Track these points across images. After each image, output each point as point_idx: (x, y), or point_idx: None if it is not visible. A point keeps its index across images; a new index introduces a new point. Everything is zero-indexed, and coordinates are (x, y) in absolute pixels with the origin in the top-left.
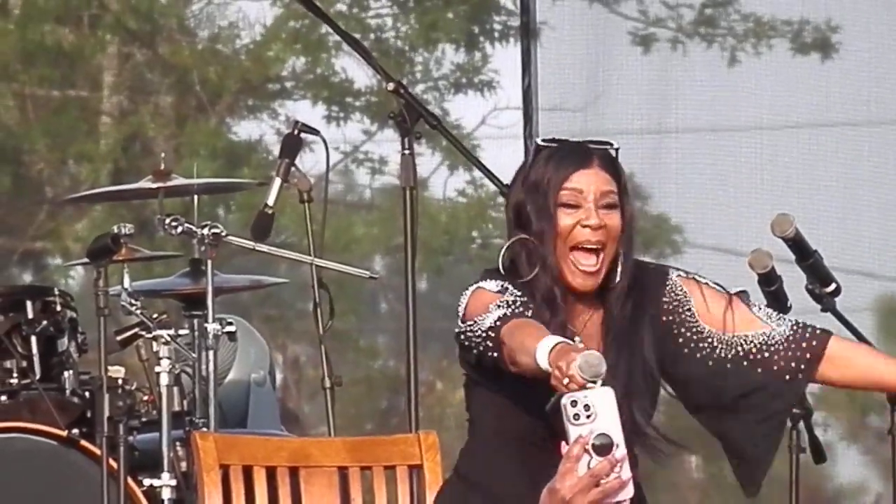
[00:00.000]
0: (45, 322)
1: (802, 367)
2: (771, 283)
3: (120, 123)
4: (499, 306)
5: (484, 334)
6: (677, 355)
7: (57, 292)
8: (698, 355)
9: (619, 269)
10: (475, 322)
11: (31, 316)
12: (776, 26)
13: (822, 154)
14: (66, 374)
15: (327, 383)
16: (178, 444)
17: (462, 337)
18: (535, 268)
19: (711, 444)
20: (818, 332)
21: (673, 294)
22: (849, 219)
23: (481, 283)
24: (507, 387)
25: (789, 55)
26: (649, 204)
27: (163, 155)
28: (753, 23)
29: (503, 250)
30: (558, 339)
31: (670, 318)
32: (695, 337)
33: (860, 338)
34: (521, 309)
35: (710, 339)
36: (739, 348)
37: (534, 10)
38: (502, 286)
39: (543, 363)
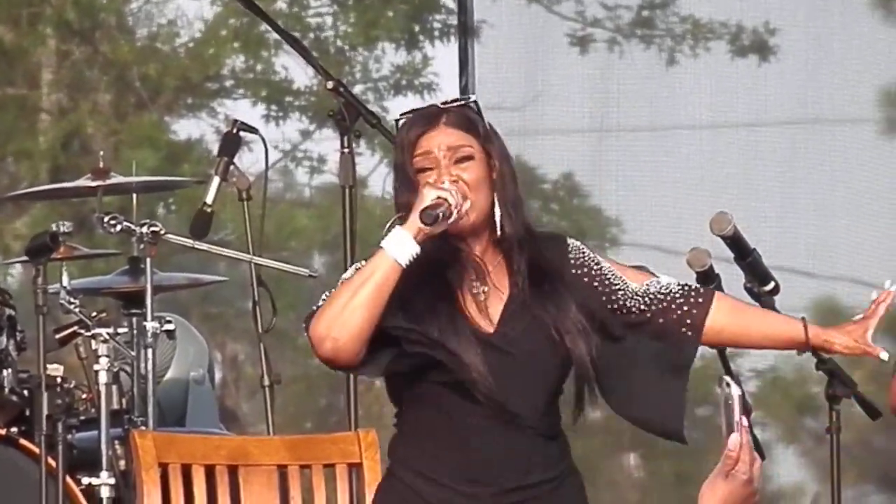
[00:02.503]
0: None
1: (695, 320)
2: (709, 282)
3: (59, 121)
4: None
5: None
6: (594, 305)
7: None
8: (609, 305)
9: (499, 214)
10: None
11: None
12: (714, 28)
13: (760, 154)
14: (4, 372)
15: (266, 381)
16: (116, 442)
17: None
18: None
19: (651, 442)
20: (703, 289)
21: (578, 252)
22: (786, 218)
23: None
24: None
25: (727, 57)
26: (588, 202)
27: (101, 153)
28: (691, 24)
29: (386, 228)
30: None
31: (580, 272)
32: (607, 288)
33: None
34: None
35: (620, 290)
36: (641, 297)
37: (471, 8)
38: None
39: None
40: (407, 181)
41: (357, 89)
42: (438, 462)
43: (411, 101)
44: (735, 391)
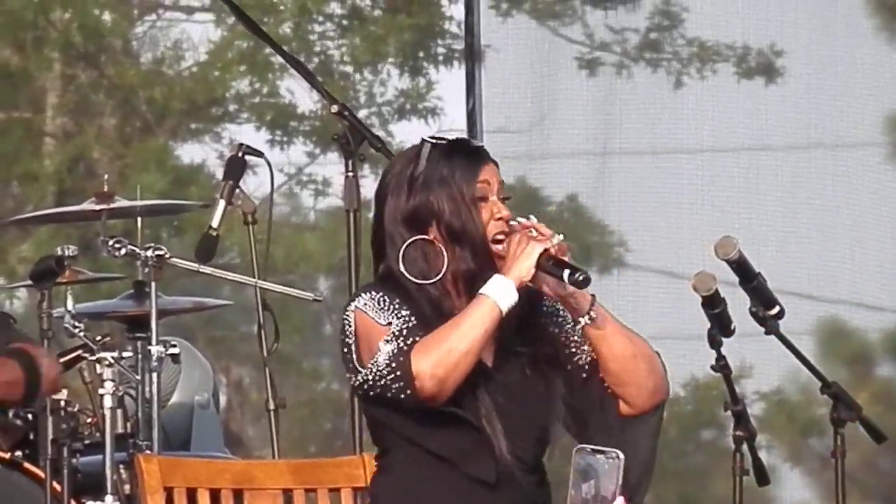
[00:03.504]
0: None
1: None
2: (715, 306)
3: (64, 144)
4: (387, 341)
5: (385, 373)
6: (560, 352)
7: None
8: (573, 359)
9: None
10: (372, 367)
11: None
12: (720, 51)
13: (763, 177)
14: None
15: (271, 405)
16: (121, 466)
17: (366, 387)
18: (440, 266)
19: (656, 465)
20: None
21: (549, 302)
22: (788, 242)
23: (359, 304)
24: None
25: (734, 79)
26: (593, 222)
27: (106, 177)
28: (698, 47)
29: (402, 250)
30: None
31: (551, 319)
32: (572, 342)
33: (804, 362)
34: (411, 332)
35: (580, 345)
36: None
37: (478, 32)
38: (383, 303)
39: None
40: (465, 207)
41: (361, 114)
42: None
43: (415, 126)
44: (620, 460)
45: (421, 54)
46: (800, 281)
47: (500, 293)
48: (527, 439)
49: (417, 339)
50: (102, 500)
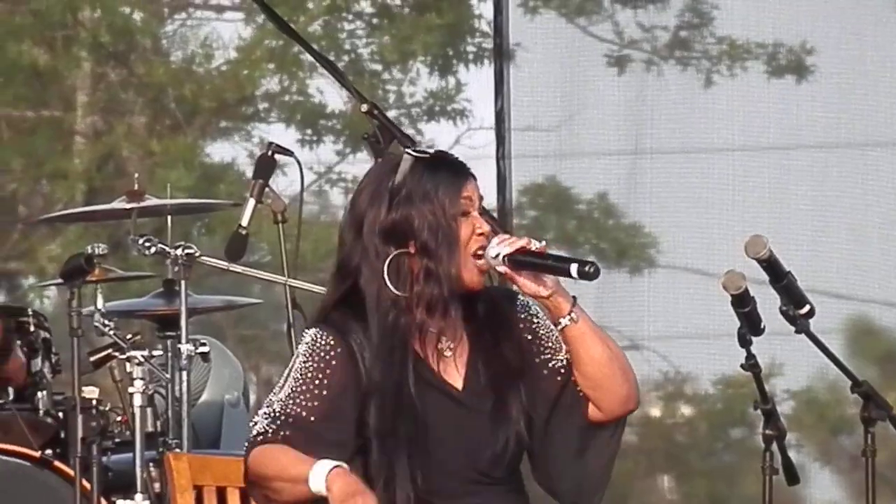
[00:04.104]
0: (18, 342)
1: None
2: (744, 305)
3: (94, 143)
4: (275, 412)
5: (250, 439)
6: (531, 361)
7: (30, 312)
8: (548, 365)
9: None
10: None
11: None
12: (751, 49)
13: (793, 176)
14: (39, 394)
15: None
16: (151, 464)
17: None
18: (411, 282)
19: (684, 463)
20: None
21: (524, 306)
22: (818, 240)
23: (302, 346)
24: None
25: (764, 77)
26: (624, 222)
27: (136, 175)
28: (728, 45)
29: (387, 263)
30: (331, 462)
31: (526, 325)
32: (546, 348)
33: (834, 360)
34: (283, 426)
35: (556, 352)
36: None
37: (507, 31)
38: (316, 357)
39: (317, 485)
40: (446, 223)
41: (391, 114)
42: None
43: (444, 127)
44: None
45: (450, 52)
46: (830, 280)
47: (318, 476)
48: (482, 456)
49: (281, 433)
50: (132, 499)
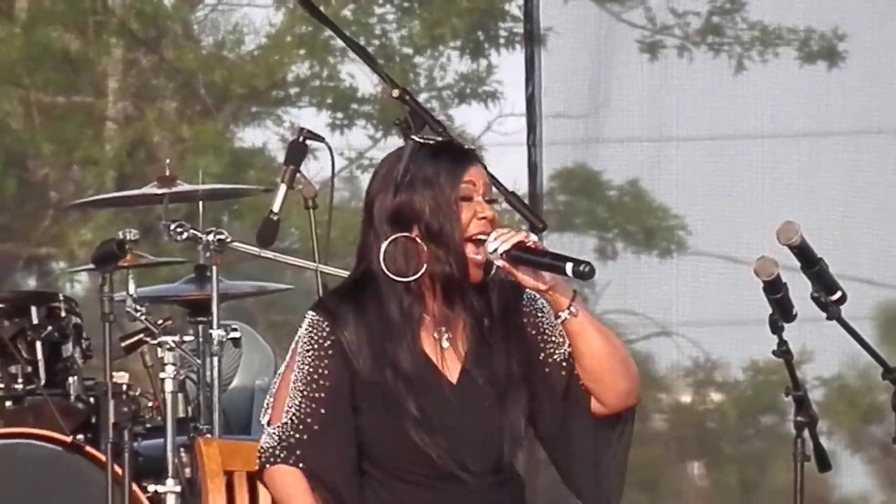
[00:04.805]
0: (49, 328)
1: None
2: (776, 291)
3: (125, 129)
4: (270, 434)
5: (261, 452)
6: (534, 358)
7: (62, 298)
8: (550, 360)
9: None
10: (267, 427)
11: (36, 321)
12: (782, 35)
13: (823, 163)
14: (70, 379)
15: None
16: (182, 450)
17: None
18: (417, 266)
19: (715, 450)
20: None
21: (530, 299)
22: (849, 227)
23: (301, 331)
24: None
25: (796, 64)
26: (654, 205)
27: (168, 161)
28: (760, 31)
29: (384, 246)
30: None
31: (530, 320)
32: (549, 342)
33: (866, 347)
34: (295, 441)
35: (559, 345)
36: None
37: (538, 16)
38: (316, 337)
39: None
40: (447, 207)
41: (421, 97)
42: None
43: (475, 110)
44: None
45: (481, 37)
46: (861, 266)
47: None
48: (477, 449)
49: (292, 456)
50: (163, 484)
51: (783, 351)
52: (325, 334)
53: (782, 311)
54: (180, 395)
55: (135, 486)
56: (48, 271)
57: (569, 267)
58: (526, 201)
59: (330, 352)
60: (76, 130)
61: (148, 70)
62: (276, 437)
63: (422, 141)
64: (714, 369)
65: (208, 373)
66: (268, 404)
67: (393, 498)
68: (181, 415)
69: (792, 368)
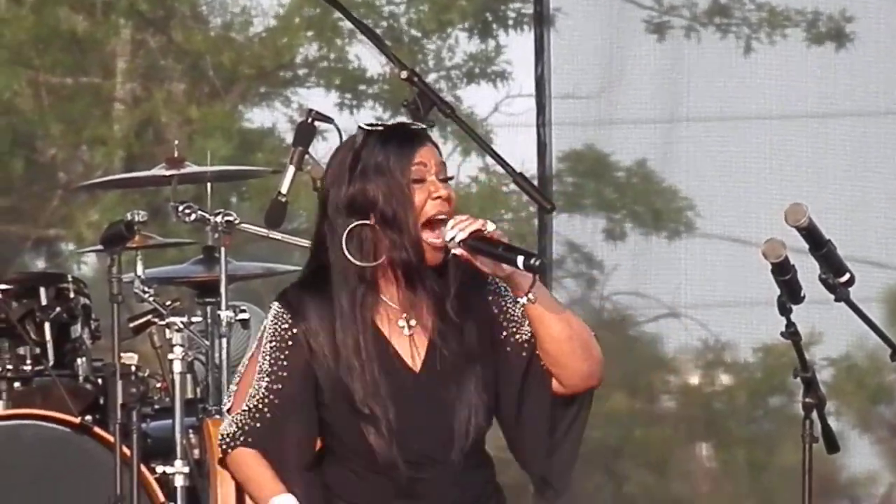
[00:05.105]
0: (58, 309)
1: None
2: (785, 273)
3: (133, 110)
4: (242, 413)
5: (221, 439)
6: (496, 337)
7: (70, 279)
8: (511, 339)
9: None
10: (227, 414)
11: (44, 302)
12: (790, 16)
13: (831, 144)
14: (79, 360)
15: None
16: (190, 431)
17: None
18: (374, 253)
19: (723, 431)
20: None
21: (495, 281)
22: (857, 209)
23: (267, 321)
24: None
25: (804, 45)
26: (662, 186)
27: (176, 142)
28: (768, 12)
29: (344, 234)
30: (285, 499)
31: (494, 298)
32: (512, 322)
33: (874, 328)
34: (253, 427)
35: (521, 325)
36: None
37: None
38: (279, 331)
39: None
40: (399, 191)
41: (430, 78)
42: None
43: (484, 90)
44: None
45: (489, 17)
46: (869, 248)
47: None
48: (444, 438)
49: (250, 438)
50: (171, 465)
51: (791, 332)
52: (287, 326)
53: (790, 292)
54: (189, 377)
55: (143, 467)
56: (56, 252)
57: (520, 260)
58: (535, 182)
59: (290, 343)
60: (84, 111)
61: (156, 51)
62: (237, 425)
63: (368, 128)
64: (722, 351)
65: (217, 354)
66: (231, 392)
67: (360, 487)
68: (190, 396)
69: (800, 350)
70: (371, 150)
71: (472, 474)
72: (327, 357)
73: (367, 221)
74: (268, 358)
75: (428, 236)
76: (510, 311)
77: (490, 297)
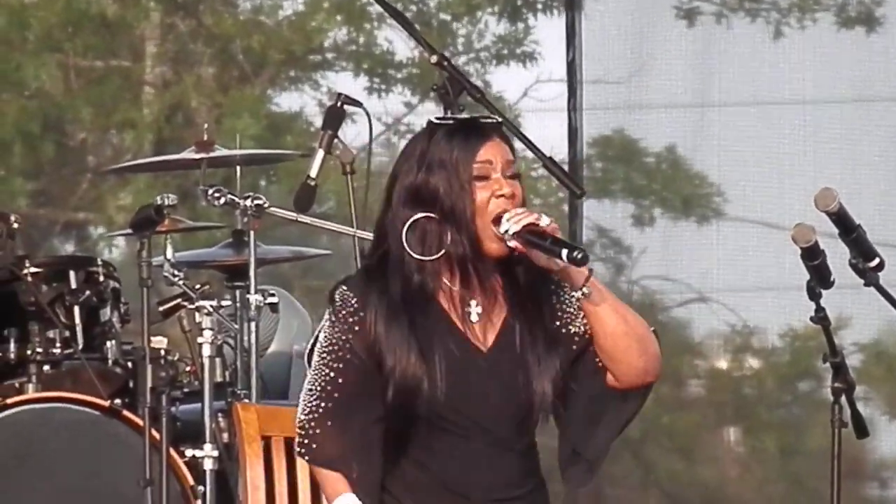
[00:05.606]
0: (87, 292)
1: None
2: (814, 258)
3: (163, 93)
4: (309, 391)
5: (300, 423)
6: (549, 326)
7: (100, 262)
8: (564, 329)
9: None
10: (302, 398)
11: (74, 286)
12: (820, 0)
13: (864, 129)
14: (108, 344)
15: None
16: (220, 415)
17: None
18: (437, 246)
19: (752, 416)
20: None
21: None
22: (890, 193)
23: (329, 310)
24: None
25: (833, 29)
26: (692, 172)
27: (205, 126)
28: None
29: (406, 225)
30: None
31: (555, 288)
32: (567, 314)
33: None
34: (331, 404)
35: (576, 317)
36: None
37: None
38: (345, 311)
39: None
40: (461, 188)
41: (459, 61)
42: (420, 482)
43: (514, 71)
44: None
45: (519, 2)
46: None
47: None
48: (507, 417)
49: (328, 405)
50: (201, 448)
51: (821, 317)
52: (352, 310)
53: (820, 277)
54: (218, 360)
55: (172, 451)
56: (86, 236)
57: (564, 253)
58: (565, 167)
59: (356, 328)
60: (114, 95)
61: (186, 35)
62: (309, 402)
63: (438, 121)
64: (751, 335)
65: (246, 338)
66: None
67: (431, 453)
68: (219, 380)
69: (829, 335)
70: (438, 143)
71: (524, 457)
72: (389, 341)
73: (431, 214)
74: (333, 340)
75: (495, 230)
76: (566, 303)
77: (552, 287)
